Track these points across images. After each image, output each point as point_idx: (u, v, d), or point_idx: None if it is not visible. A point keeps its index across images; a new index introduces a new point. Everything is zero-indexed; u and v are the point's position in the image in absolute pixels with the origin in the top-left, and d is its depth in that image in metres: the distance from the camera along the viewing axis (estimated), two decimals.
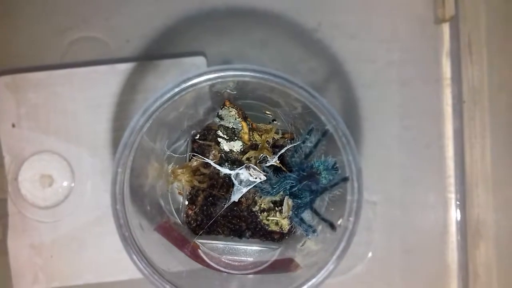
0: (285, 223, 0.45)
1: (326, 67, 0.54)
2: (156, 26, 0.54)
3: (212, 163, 0.35)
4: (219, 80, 0.31)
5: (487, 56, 0.53)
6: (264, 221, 0.45)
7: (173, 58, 0.53)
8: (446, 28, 0.54)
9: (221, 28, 0.54)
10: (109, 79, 0.53)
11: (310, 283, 0.33)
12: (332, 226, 0.34)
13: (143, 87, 0.53)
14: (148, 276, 0.31)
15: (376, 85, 0.54)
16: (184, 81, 0.31)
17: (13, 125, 0.53)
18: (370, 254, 0.53)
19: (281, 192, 0.37)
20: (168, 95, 0.31)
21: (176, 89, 0.31)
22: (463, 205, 0.53)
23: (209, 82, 0.31)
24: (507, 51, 0.53)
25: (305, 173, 0.35)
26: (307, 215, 0.37)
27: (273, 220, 0.44)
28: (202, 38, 0.54)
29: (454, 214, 0.54)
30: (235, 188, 0.37)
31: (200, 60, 0.53)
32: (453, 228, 0.54)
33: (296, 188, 0.36)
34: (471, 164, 0.53)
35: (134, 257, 0.31)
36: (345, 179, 0.33)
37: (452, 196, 0.54)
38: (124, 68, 0.53)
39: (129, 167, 0.32)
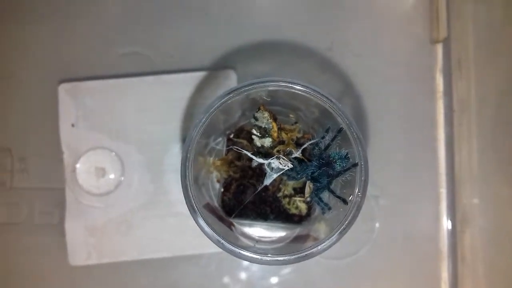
0: (303, 207, 0.50)
1: (337, 81, 0.58)
2: (196, 44, 0.59)
3: (249, 154, 0.42)
4: (261, 89, 0.40)
5: (474, 72, 0.55)
6: (286, 205, 0.50)
7: (210, 71, 0.57)
8: (439, 47, 0.58)
9: (250, 48, 0.58)
10: (154, 88, 0.57)
11: (318, 247, 0.39)
12: (344, 201, 0.42)
13: (183, 95, 0.57)
14: (211, 235, 0.38)
15: (380, 97, 0.58)
16: (236, 89, 0.39)
17: (72, 125, 0.57)
18: (372, 240, 0.58)
19: (304, 178, 0.43)
20: (224, 98, 0.38)
21: (230, 94, 0.39)
22: (452, 198, 0.57)
23: (253, 90, 0.39)
24: (491, 68, 0.56)
25: (323, 161, 0.41)
26: (324, 196, 0.45)
27: (294, 204, 0.50)
28: (233, 56, 0.58)
29: (445, 206, 0.58)
30: (267, 174, 0.42)
31: (231, 74, 0.57)
32: (444, 218, 0.58)
33: (316, 173, 0.41)
34: (460, 164, 0.56)
35: (199, 219, 0.39)
36: (355, 165, 0.40)
37: (443, 191, 0.58)
38: (168, 79, 0.57)
39: (193, 154, 0.39)
